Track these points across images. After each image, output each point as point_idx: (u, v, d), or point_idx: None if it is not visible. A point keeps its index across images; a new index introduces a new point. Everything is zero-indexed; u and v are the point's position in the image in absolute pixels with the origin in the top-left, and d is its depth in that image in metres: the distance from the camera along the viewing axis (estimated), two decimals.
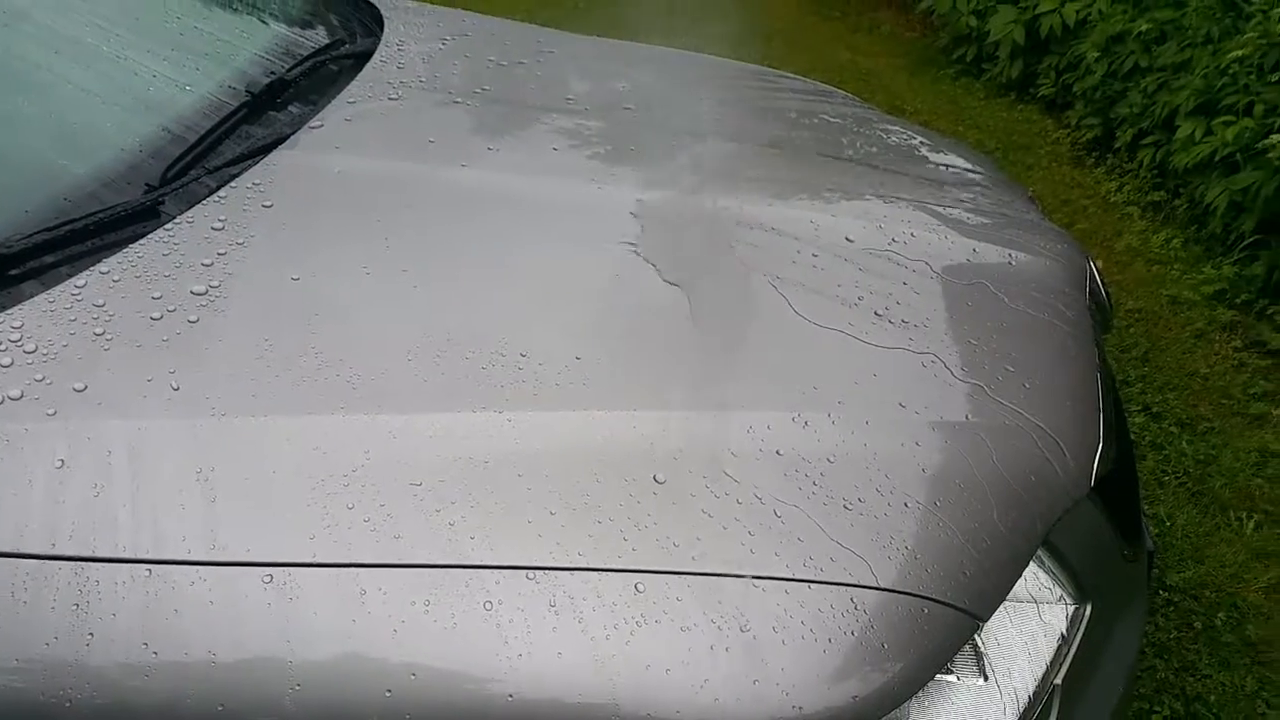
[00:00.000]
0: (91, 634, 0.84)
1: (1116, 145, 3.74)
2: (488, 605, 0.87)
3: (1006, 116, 4.30)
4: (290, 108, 1.47)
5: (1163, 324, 2.93)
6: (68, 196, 1.22)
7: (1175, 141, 3.32)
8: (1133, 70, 3.68)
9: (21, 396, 0.97)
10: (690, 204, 1.38)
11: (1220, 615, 2.03)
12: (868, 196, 1.49)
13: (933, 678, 0.94)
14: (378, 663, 0.85)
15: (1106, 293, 1.56)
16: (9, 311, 1.05)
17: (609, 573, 0.90)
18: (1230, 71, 3.17)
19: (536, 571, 0.89)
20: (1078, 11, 4.03)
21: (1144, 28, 3.63)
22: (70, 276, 1.11)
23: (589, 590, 0.89)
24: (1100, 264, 2.99)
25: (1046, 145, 4.02)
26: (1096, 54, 3.83)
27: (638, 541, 0.92)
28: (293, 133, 1.38)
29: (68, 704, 0.83)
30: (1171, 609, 2.05)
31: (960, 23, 4.59)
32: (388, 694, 0.84)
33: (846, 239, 1.34)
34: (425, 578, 0.89)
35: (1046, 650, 1.08)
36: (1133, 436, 2.46)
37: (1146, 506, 2.29)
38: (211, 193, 1.26)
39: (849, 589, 0.91)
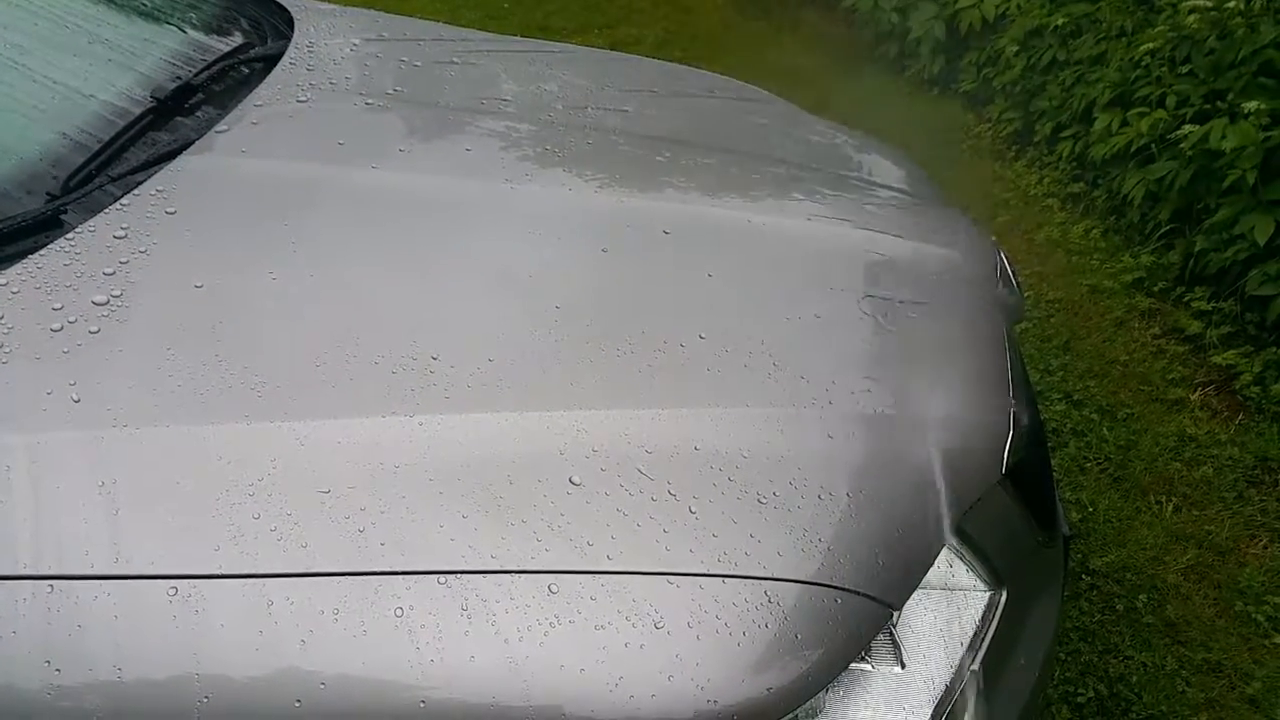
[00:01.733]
0: None
1: (1036, 138, 3.82)
2: (398, 611, 0.86)
3: (929, 112, 4.37)
4: (197, 112, 1.44)
5: (1083, 313, 3.00)
6: None
7: (1093, 133, 3.40)
8: (1051, 64, 3.77)
9: None
10: (605, 203, 1.38)
11: (1141, 597, 2.08)
12: (783, 192, 1.50)
13: (848, 667, 0.95)
14: (287, 673, 0.84)
15: (1017, 282, 1.59)
16: None
17: (522, 574, 0.89)
18: (1143, 64, 3.26)
19: (448, 576, 0.88)
20: (996, 6, 4.12)
21: (1060, 22, 3.71)
22: None
23: (502, 593, 0.88)
24: (1013, 254, 3.05)
25: (969, 140, 4.10)
26: (1015, 48, 3.92)
27: (551, 542, 0.92)
28: (198, 137, 1.35)
29: None
30: (1095, 593, 2.10)
31: (882, 20, 4.66)
32: (297, 704, 0.83)
33: (760, 234, 1.35)
34: (334, 586, 0.87)
35: (962, 637, 1.10)
36: (1054, 424, 2.52)
37: (1069, 493, 2.35)
38: (115, 200, 1.22)
39: (763, 582, 0.92)
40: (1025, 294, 2.69)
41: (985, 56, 4.21)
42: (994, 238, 1.61)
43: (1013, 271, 1.56)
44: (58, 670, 0.82)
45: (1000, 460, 1.17)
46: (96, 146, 1.31)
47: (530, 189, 1.38)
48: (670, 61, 2.18)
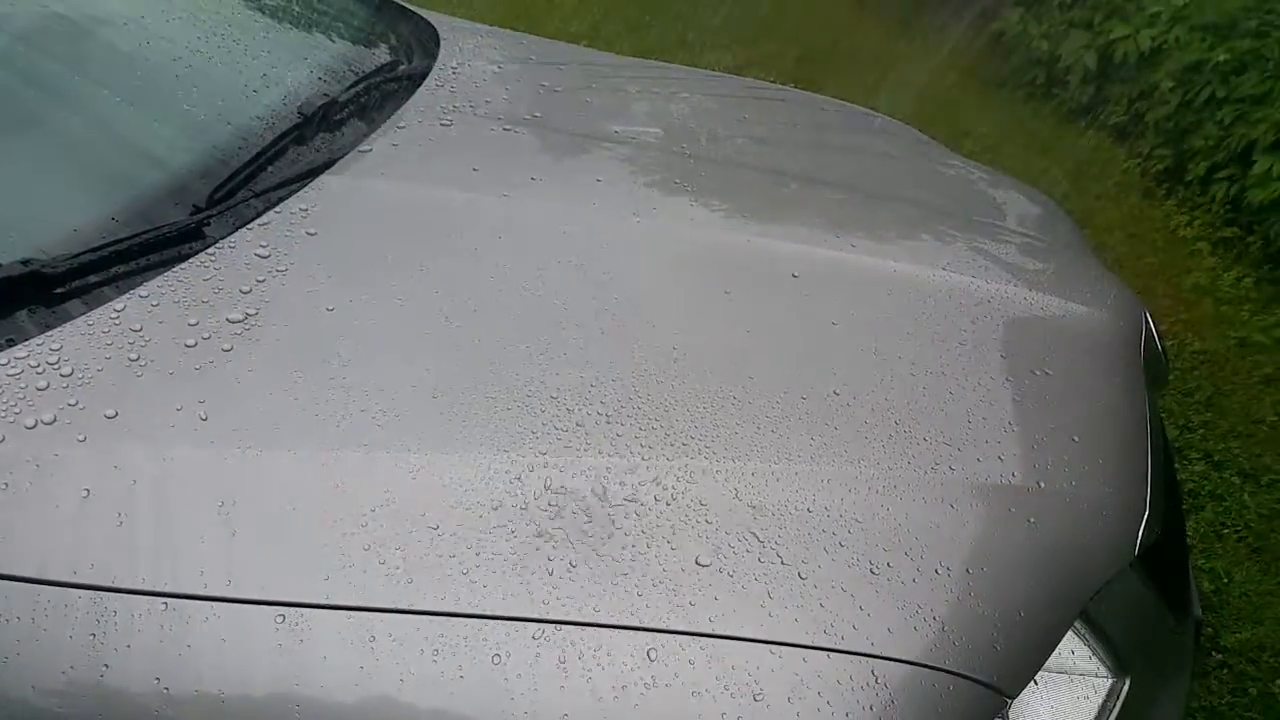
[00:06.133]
0: (106, 665, 0.84)
1: (1188, 178, 3.62)
2: (495, 659, 0.85)
3: (1075, 143, 4.19)
4: (341, 130, 1.47)
5: (1229, 367, 2.82)
6: (115, 216, 1.22)
7: (1251, 177, 3.22)
8: (1209, 101, 3.57)
9: (54, 421, 0.97)
10: (732, 241, 1.35)
11: (1279, 682, 1.94)
12: (918, 237, 1.45)
13: None
14: (384, 709, 0.84)
15: (1162, 346, 1.50)
16: (50, 333, 1.05)
17: (621, 630, 0.88)
18: None
19: (547, 625, 0.87)
20: (1153, 39, 3.92)
21: (1222, 58, 3.52)
22: (110, 299, 1.10)
23: (599, 647, 0.87)
24: (1157, 299, 2.89)
25: (1116, 175, 3.91)
26: (1171, 83, 3.72)
27: (652, 598, 0.90)
28: (341, 157, 1.37)
29: None
30: (1225, 671, 1.97)
31: (1031, 45, 4.49)
32: None
33: (890, 282, 1.31)
34: (435, 626, 0.87)
35: None
36: (1191, 486, 2.38)
37: (1203, 560, 2.21)
38: (257, 216, 1.25)
39: (870, 660, 0.88)
40: (1168, 342, 2.55)
41: (1138, 89, 4.02)
42: (1139, 296, 1.52)
43: (1158, 334, 1.47)
44: (166, 689, 0.84)
45: (1134, 540, 1.10)
46: (243, 161, 1.33)
47: (657, 224, 1.37)
48: (807, 82, 2.13)
